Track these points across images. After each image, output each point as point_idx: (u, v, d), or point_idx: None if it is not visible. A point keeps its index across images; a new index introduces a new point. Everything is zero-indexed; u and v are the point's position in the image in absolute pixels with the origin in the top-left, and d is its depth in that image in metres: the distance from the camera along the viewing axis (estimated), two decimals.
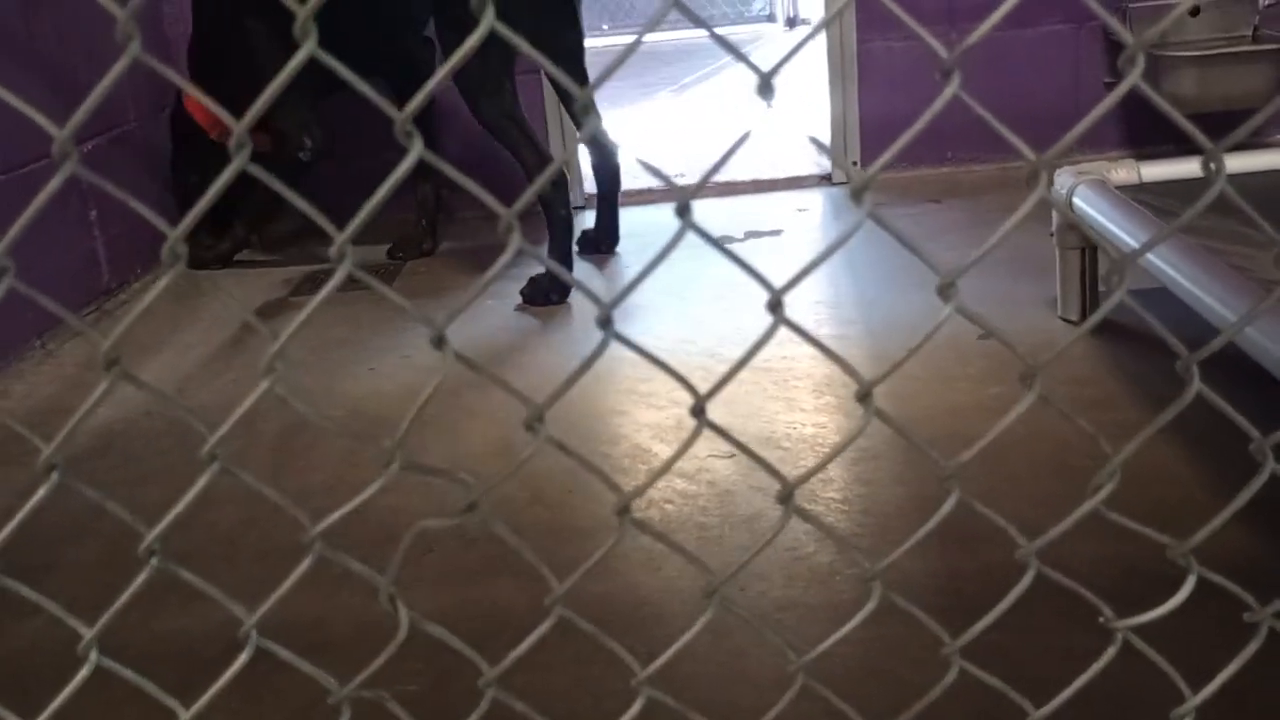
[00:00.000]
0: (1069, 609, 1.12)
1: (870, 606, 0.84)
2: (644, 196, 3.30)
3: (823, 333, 2.27)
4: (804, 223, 3.12)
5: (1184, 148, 2.95)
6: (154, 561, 0.78)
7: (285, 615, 1.49)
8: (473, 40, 0.67)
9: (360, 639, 1.43)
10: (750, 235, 2.99)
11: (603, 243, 2.86)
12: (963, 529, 1.56)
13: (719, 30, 0.73)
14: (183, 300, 2.75)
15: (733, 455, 1.81)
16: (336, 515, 0.75)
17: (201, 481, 0.75)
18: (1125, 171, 2.14)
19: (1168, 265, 1.69)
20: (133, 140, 3.00)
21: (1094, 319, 0.78)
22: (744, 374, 0.79)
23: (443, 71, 0.69)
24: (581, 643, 1.41)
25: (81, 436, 2.07)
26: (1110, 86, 3.17)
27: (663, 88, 5.18)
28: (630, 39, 0.73)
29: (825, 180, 3.43)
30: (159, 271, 3.00)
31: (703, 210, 2.76)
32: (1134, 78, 0.74)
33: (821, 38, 3.32)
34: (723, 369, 0.78)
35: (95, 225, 2.73)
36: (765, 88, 0.75)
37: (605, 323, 0.75)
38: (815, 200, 3.29)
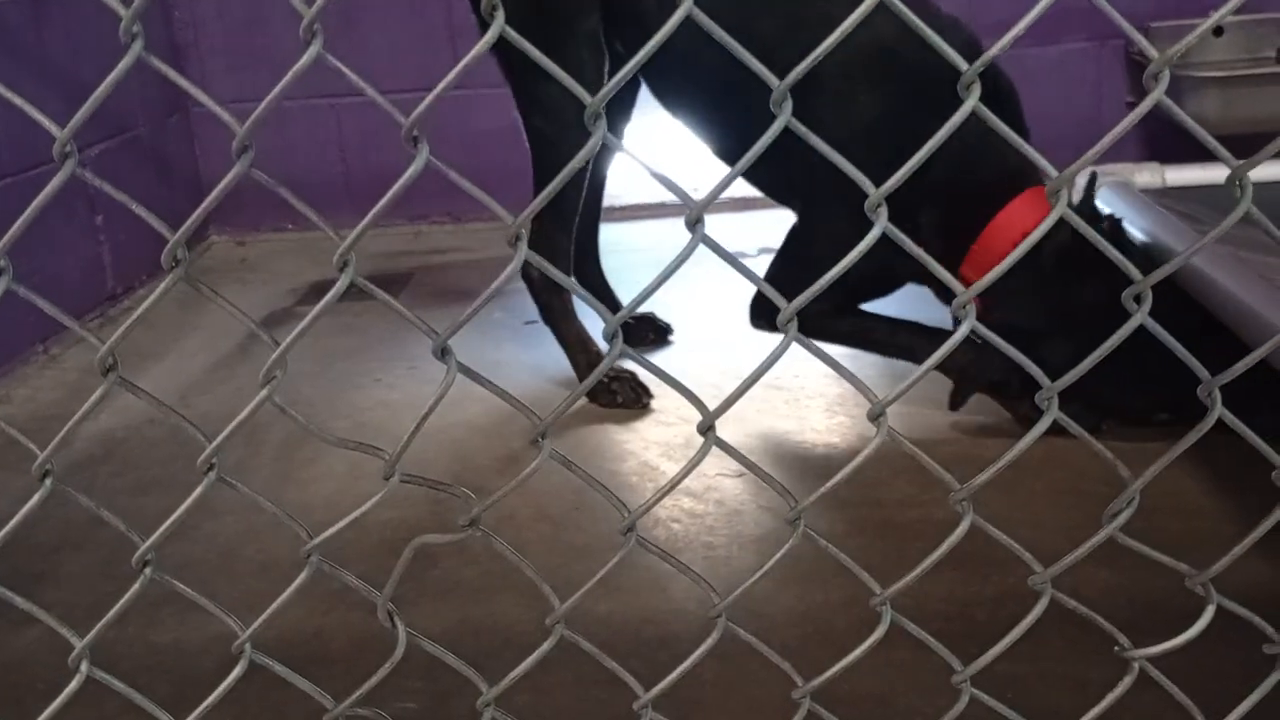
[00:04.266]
0: (1082, 637, 1.10)
1: (879, 633, 0.82)
2: (656, 211, 3.28)
3: (835, 350, 2.25)
4: None
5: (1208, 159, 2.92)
6: (147, 573, 0.76)
7: (284, 628, 1.47)
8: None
9: (360, 653, 1.41)
10: (764, 251, 2.96)
11: None
12: (975, 553, 1.53)
13: None
14: (187, 307, 2.74)
15: (742, 474, 1.78)
16: (333, 530, 0.73)
17: (197, 492, 0.74)
18: (1149, 174, 2.11)
19: (1195, 275, 1.65)
20: (141, 145, 3.00)
21: (1117, 337, 0.76)
22: (755, 391, 0.77)
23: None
24: (584, 664, 1.39)
25: (83, 443, 2.06)
26: (1132, 106, 3.14)
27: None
28: None
29: None
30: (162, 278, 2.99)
31: (716, 225, 2.71)
32: (1158, 94, 0.73)
33: None
34: (734, 386, 0.76)
35: (101, 230, 2.72)
36: (783, 98, 0.73)
37: (612, 337, 0.73)
38: None
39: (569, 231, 2.13)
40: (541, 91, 2.06)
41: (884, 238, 0.73)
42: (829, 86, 1.85)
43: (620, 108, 2.32)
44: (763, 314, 2.09)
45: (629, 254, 2.52)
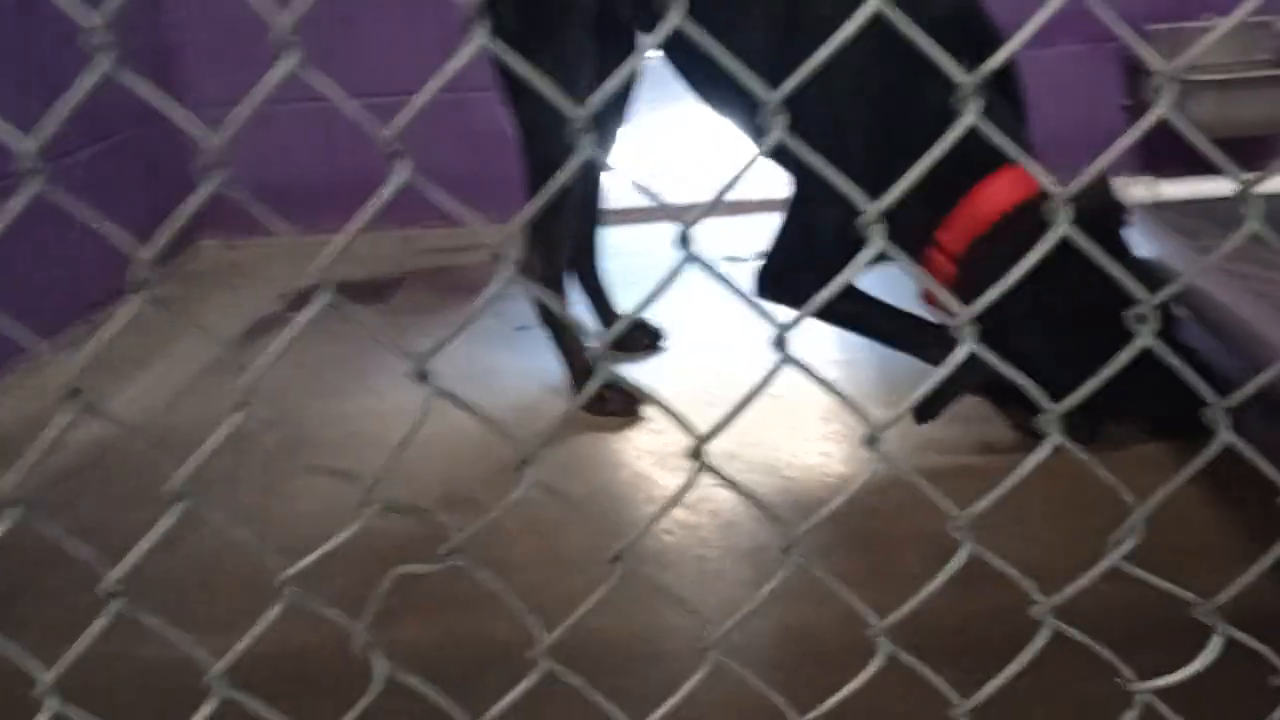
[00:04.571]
0: (1081, 653, 1.08)
1: (876, 664, 0.79)
2: (654, 214, 3.25)
3: (830, 358, 2.22)
4: None
5: (1204, 170, 2.89)
6: (114, 605, 0.74)
7: (266, 646, 1.44)
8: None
9: (346, 670, 1.37)
10: (759, 256, 2.95)
11: None
12: (971, 568, 1.51)
13: None
14: (176, 312, 2.71)
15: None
16: (307, 561, 0.70)
17: (165, 524, 0.71)
18: (1144, 189, 2.09)
19: (1190, 292, 1.64)
20: (127, 150, 2.96)
21: (1123, 356, 0.73)
22: None
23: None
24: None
25: (69, 452, 2.03)
26: (1127, 109, 3.11)
27: (673, 103, 5.12)
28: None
29: None
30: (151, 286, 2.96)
31: (710, 229, 2.68)
32: (1164, 106, 0.70)
33: None
34: (727, 392, 0.75)
35: (84, 236, 2.69)
36: (777, 111, 0.70)
37: (598, 359, 0.71)
38: None
39: (564, 218, 2.09)
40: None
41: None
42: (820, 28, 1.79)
43: (617, 108, 2.28)
44: (767, 287, 2.05)
45: (624, 258, 2.49)
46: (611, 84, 0.67)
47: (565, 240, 2.10)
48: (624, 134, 2.37)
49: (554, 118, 0.67)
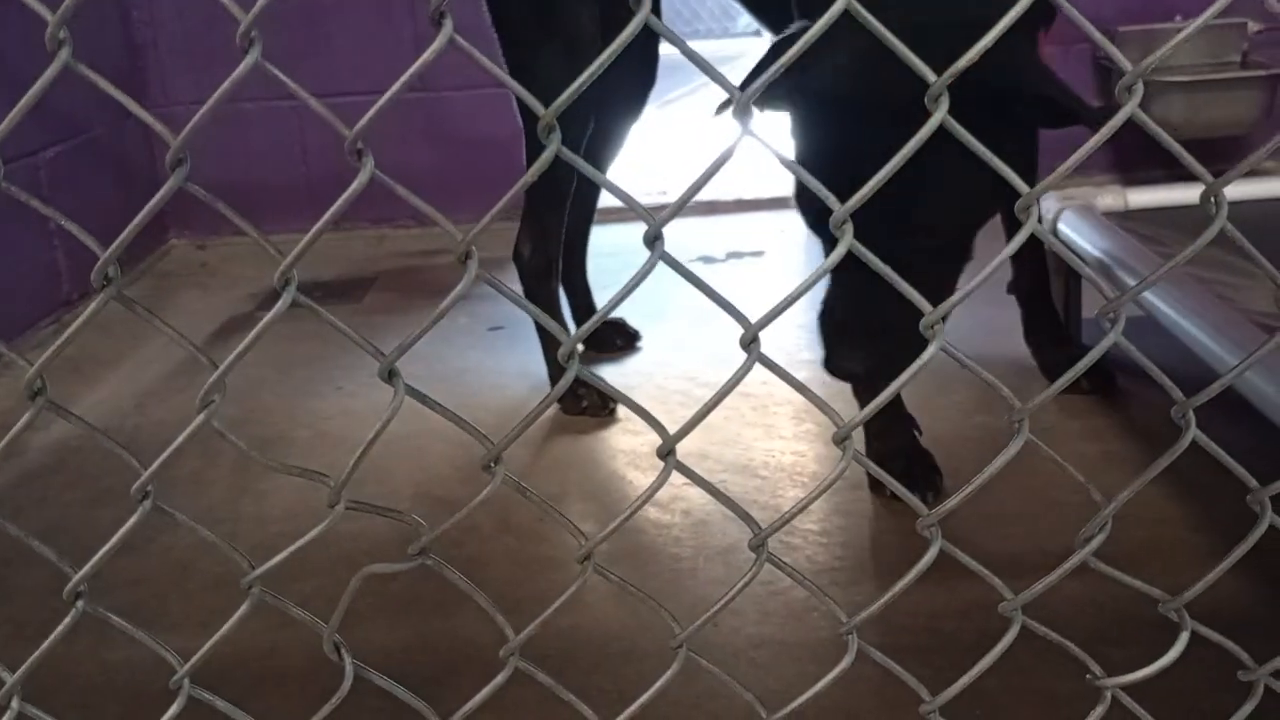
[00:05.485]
0: (1049, 650, 1.09)
1: (845, 663, 0.79)
2: (623, 215, 3.25)
3: (803, 358, 2.22)
4: (786, 243, 3.09)
5: (1172, 173, 2.90)
6: (79, 605, 0.73)
7: (236, 645, 1.43)
8: None
9: (316, 669, 1.36)
10: (731, 256, 2.96)
11: None
12: (942, 563, 1.51)
13: (704, 44, 0.70)
14: (144, 312, 2.68)
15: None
16: (274, 561, 0.70)
17: (130, 523, 0.71)
18: (1112, 197, 2.11)
19: (1156, 298, 1.65)
20: (99, 147, 2.93)
21: (1090, 358, 0.74)
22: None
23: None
24: (549, 677, 1.37)
25: (35, 453, 2.01)
26: (1099, 109, 3.13)
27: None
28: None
29: None
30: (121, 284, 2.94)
31: (683, 230, 2.71)
32: (1132, 106, 0.71)
33: None
34: (702, 392, 0.75)
35: (55, 234, 2.66)
36: (743, 109, 0.71)
37: (568, 358, 0.71)
38: (797, 220, 3.25)
39: (560, 213, 2.07)
40: (533, 59, 1.95)
41: None
42: None
43: (628, 102, 2.26)
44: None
45: (599, 258, 2.49)
46: (582, 79, 0.67)
47: (560, 230, 2.08)
48: (636, 131, 2.34)
49: (555, 92, 0.65)
